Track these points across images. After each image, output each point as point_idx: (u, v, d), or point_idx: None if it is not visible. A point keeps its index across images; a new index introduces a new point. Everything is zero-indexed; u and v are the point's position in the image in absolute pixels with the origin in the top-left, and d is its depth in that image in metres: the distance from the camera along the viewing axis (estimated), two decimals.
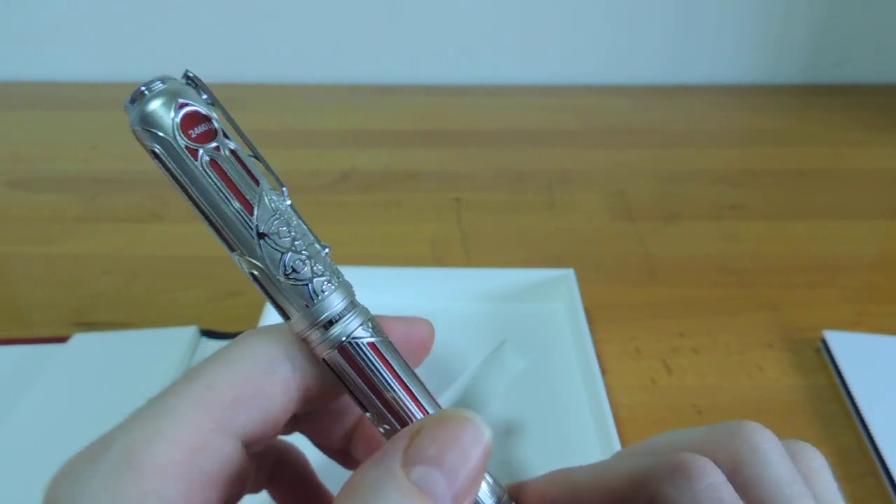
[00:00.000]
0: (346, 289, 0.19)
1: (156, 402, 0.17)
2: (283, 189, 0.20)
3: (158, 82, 0.17)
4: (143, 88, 0.17)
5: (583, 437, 0.40)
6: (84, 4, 0.84)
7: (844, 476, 0.39)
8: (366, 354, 0.19)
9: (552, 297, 0.50)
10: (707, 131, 0.78)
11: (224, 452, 0.18)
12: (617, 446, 0.36)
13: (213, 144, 0.17)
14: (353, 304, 0.19)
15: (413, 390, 0.19)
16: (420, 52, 0.88)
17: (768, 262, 0.56)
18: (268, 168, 0.20)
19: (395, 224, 0.61)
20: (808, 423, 0.42)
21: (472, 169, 0.70)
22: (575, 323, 0.46)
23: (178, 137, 0.17)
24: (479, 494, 0.19)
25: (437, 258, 0.56)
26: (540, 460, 0.39)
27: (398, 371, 0.19)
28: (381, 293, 0.49)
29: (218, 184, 0.17)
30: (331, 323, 0.18)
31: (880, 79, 0.90)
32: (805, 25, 0.87)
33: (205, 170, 0.17)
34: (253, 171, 0.18)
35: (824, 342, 0.46)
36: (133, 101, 0.17)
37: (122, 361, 0.44)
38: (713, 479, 0.18)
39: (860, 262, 0.57)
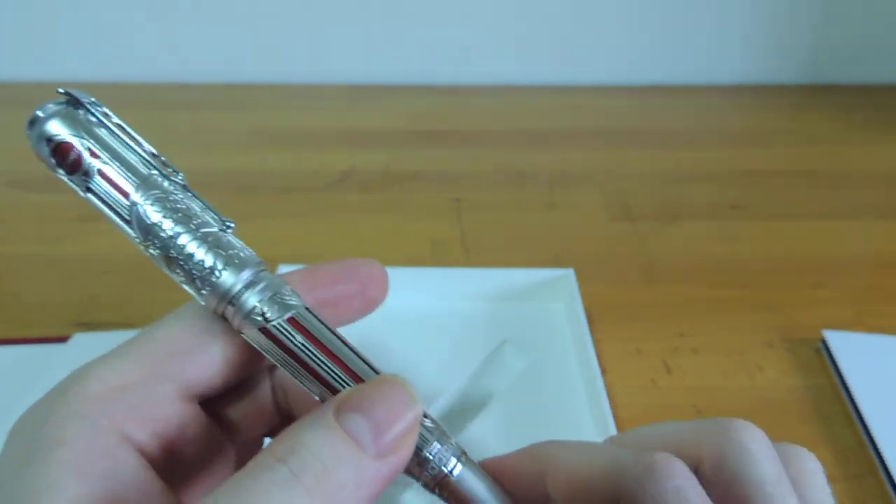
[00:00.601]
0: (243, 265, 0.20)
1: (101, 357, 0.20)
2: (178, 174, 0.21)
3: (37, 111, 0.19)
4: (30, 119, 0.19)
5: (583, 436, 0.40)
6: (84, 4, 0.84)
7: (844, 476, 0.39)
8: (281, 331, 0.19)
9: (552, 297, 0.50)
10: (707, 131, 0.78)
11: (158, 394, 0.19)
12: None
13: (82, 172, 0.19)
14: (254, 281, 0.20)
15: (342, 359, 0.19)
16: (419, 52, 0.88)
17: (768, 262, 0.56)
18: (151, 158, 0.20)
19: (395, 224, 0.61)
20: (808, 423, 0.42)
21: (472, 169, 0.70)
22: (575, 323, 0.46)
23: (58, 171, 0.19)
24: (436, 449, 0.20)
25: (437, 258, 0.56)
26: None
27: (322, 342, 0.19)
28: None
29: (104, 199, 0.20)
30: (231, 302, 0.19)
31: (880, 79, 0.90)
32: (805, 25, 0.87)
33: (89, 189, 0.19)
34: (131, 173, 0.19)
35: (824, 342, 0.46)
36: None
37: None
38: (680, 481, 0.18)
39: (860, 262, 0.57)
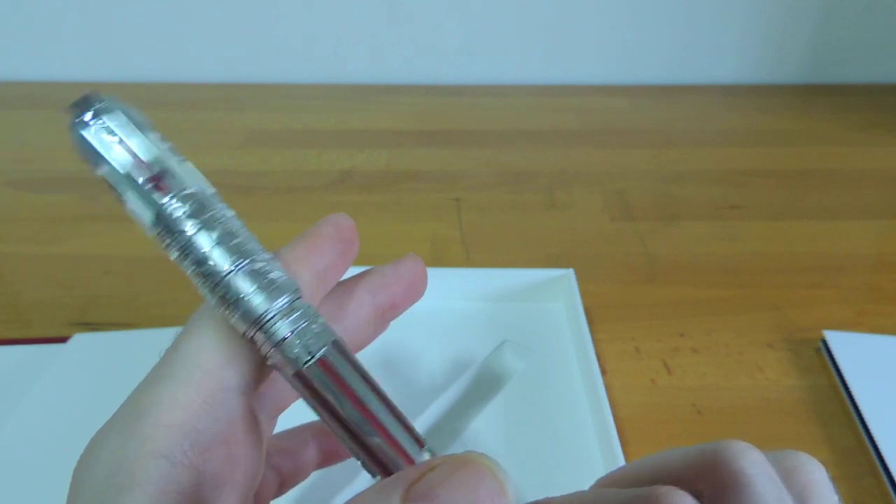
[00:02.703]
0: (276, 291, 0.18)
1: (159, 367, 0.18)
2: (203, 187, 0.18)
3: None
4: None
5: (583, 437, 0.40)
6: (84, 4, 0.84)
7: (844, 476, 0.39)
8: (314, 372, 0.17)
9: (552, 297, 0.50)
10: (707, 131, 0.78)
11: (229, 409, 0.18)
12: (617, 446, 0.36)
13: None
14: (281, 309, 0.17)
15: (371, 409, 0.18)
16: (420, 52, 0.88)
17: (768, 262, 0.56)
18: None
19: (395, 224, 0.61)
20: (808, 423, 0.42)
21: (472, 169, 0.70)
22: (575, 323, 0.46)
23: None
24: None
25: (437, 258, 0.56)
26: (540, 461, 0.39)
27: (349, 386, 0.18)
28: None
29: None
30: (261, 327, 0.17)
31: (880, 79, 0.90)
32: (805, 25, 0.87)
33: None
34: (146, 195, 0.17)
35: (824, 342, 0.46)
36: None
37: (122, 361, 0.44)
38: None
39: (860, 262, 0.57)
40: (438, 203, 0.64)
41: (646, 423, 0.42)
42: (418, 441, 0.18)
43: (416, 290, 0.24)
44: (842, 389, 0.43)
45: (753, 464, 0.18)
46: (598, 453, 0.38)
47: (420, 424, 0.40)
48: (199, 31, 0.86)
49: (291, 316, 0.17)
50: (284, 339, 0.17)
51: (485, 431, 0.40)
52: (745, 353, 0.47)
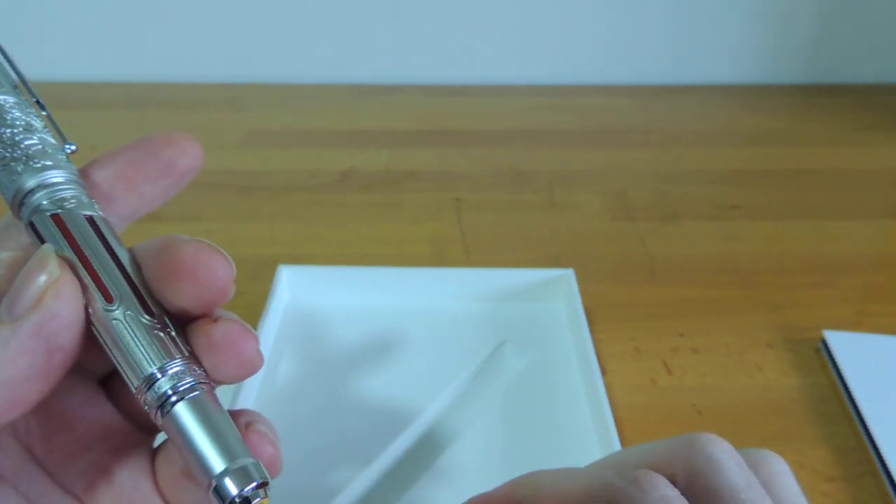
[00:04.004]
0: (39, 171, 0.20)
1: None
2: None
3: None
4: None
5: (583, 437, 0.40)
6: (84, 4, 0.84)
7: (844, 476, 0.39)
8: (42, 225, 0.19)
9: (552, 297, 0.50)
10: (707, 131, 0.78)
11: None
12: (617, 446, 0.36)
13: None
14: (46, 185, 0.19)
15: (95, 264, 0.19)
16: (420, 52, 0.88)
17: (768, 262, 0.56)
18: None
19: (395, 224, 0.61)
20: (808, 423, 0.42)
21: (472, 169, 0.70)
22: (575, 323, 0.46)
23: None
24: (176, 368, 0.18)
25: (437, 258, 0.56)
26: (540, 460, 0.39)
27: (79, 244, 0.19)
28: (381, 293, 0.49)
29: None
30: (21, 203, 0.19)
31: (880, 79, 0.90)
32: (805, 25, 0.87)
33: None
34: None
35: (824, 342, 0.46)
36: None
37: None
38: (665, 491, 0.19)
39: (860, 262, 0.57)
40: (438, 203, 0.64)
41: (646, 423, 0.42)
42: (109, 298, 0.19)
43: (179, 168, 0.21)
44: (842, 389, 0.43)
45: (723, 451, 0.20)
46: (598, 453, 0.38)
47: (419, 424, 0.40)
48: (199, 31, 0.86)
49: (46, 178, 0.20)
50: (32, 196, 0.20)
51: (485, 431, 0.41)
52: (745, 353, 0.47)
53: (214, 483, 0.17)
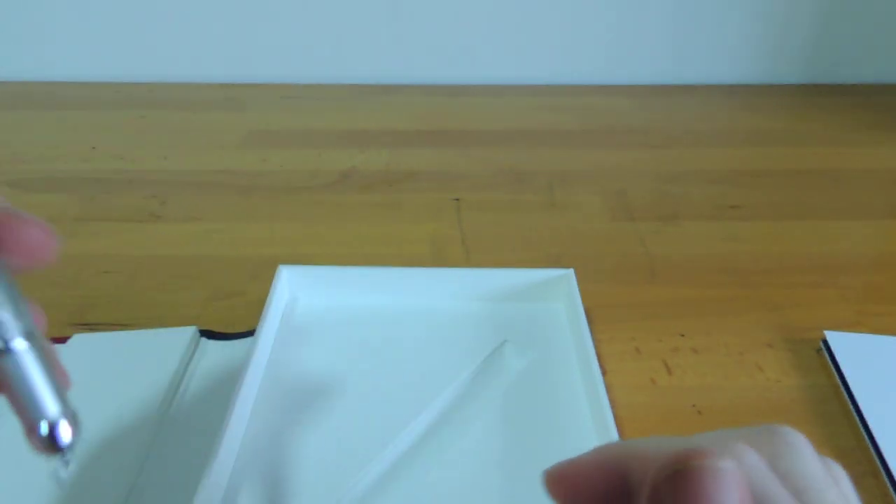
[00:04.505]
0: None
1: None
2: None
3: None
4: None
5: (583, 437, 0.40)
6: (84, 4, 0.84)
7: None
8: None
9: (552, 296, 0.50)
10: (707, 131, 0.78)
11: None
12: None
13: None
14: None
15: None
16: (420, 52, 0.88)
17: (768, 262, 0.56)
18: None
19: (395, 224, 0.61)
20: (808, 423, 0.42)
21: (472, 169, 0.70)
22: (575, 323, 0.46)
23: None
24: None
25: (437, 258, 0.56)
26: (540, 460, 0.39)
27: None
28: (381, 293, 0.49)
29: None
30: None
31: (880, 79, 0.90)
32: (805, 25, 0.87)
33: None
34: None
35: (825, 342, 0.46)
36: None
37: (121, 362, 0.44)
38: (758, 462, 0.20)
39: (860, 262, 0.57)
40: (438, 203, 0.64)
41: (646, 423, 0.42)
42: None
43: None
44: (842, 389, 0.43)
45: (805, 443, 0.21)
46: None
47: (419, 424, 0.40)
48: (199, 31, 0.86)
49: None
50: None
51: (485, 431, 0.40)
52: (745, 353, 0.47)
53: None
